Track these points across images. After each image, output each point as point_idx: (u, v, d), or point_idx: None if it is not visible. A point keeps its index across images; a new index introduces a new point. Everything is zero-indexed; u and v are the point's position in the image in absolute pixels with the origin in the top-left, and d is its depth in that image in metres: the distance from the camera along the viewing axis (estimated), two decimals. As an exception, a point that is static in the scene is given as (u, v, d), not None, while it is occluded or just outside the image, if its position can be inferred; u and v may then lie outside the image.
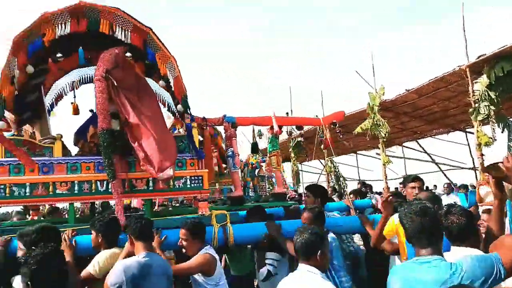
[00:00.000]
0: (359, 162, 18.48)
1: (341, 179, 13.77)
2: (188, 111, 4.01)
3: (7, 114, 3.91)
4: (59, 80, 4.71)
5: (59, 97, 4.88)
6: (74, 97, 4.85)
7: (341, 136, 5.27)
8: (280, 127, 5.06)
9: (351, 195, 6.10)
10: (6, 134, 3.63)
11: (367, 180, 13.64)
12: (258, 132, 5.38)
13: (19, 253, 2.77)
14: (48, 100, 4.57)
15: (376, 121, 10.01)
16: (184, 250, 3.24)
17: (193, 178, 4.02)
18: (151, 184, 3.83)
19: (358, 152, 18.05)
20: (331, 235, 3.46)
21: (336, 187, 13.13)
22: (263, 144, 6.20)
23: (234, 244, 3.69)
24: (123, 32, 3.87)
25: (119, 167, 3.64)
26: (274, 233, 3.64)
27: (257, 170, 10.39)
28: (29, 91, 4.00)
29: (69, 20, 3.75)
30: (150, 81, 4.40)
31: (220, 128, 5.33)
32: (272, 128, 4.98)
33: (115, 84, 3.72)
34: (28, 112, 4.13)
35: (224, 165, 6.71)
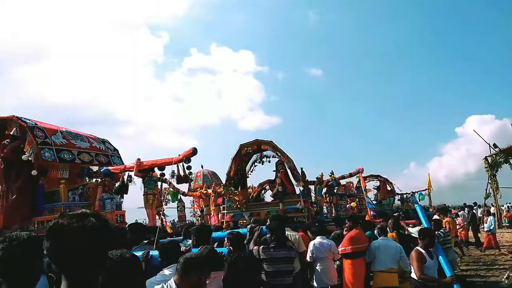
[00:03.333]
0: None
1: None
2: (42, 177, 5.83)
3: None
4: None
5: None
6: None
7: (189, 172, 5.55)
8: (141, 170, 5.96)
9: None
10: None
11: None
12: (129, 177, 6.32)
13: None
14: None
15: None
16: None
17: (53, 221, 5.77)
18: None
19: None
20: None
21: None
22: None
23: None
24: (15, 130, 6.19)
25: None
26: None
27: (336, 188, 9.99)
28: None
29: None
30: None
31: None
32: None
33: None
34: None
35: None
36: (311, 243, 5.50)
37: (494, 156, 19.19)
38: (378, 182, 19.45)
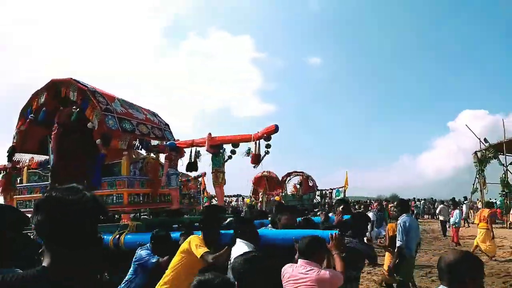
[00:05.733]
0: None
1: None
2: (105, 146, 5.26)
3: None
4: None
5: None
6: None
7: (266, 151, 5.15)
8: (213, 146, 5.49)
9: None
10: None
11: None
12: (197, 152, 5.84)
13: None
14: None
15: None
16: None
17: (115, 196, 5.25)
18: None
19: None
20: None
21: None
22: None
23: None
24: (72, 94, 5.58)
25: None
26: None
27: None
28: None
29: (44, 93, 5.77)
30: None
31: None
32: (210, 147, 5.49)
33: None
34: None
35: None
36: None
37: (483, 151, 19.46)
38: (301, 178, 21.05)
